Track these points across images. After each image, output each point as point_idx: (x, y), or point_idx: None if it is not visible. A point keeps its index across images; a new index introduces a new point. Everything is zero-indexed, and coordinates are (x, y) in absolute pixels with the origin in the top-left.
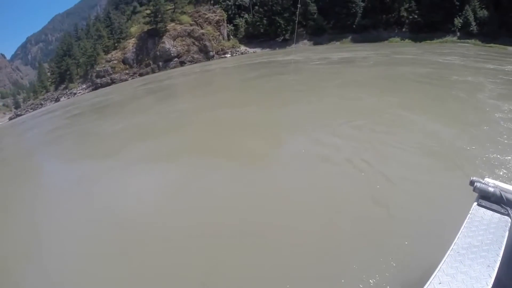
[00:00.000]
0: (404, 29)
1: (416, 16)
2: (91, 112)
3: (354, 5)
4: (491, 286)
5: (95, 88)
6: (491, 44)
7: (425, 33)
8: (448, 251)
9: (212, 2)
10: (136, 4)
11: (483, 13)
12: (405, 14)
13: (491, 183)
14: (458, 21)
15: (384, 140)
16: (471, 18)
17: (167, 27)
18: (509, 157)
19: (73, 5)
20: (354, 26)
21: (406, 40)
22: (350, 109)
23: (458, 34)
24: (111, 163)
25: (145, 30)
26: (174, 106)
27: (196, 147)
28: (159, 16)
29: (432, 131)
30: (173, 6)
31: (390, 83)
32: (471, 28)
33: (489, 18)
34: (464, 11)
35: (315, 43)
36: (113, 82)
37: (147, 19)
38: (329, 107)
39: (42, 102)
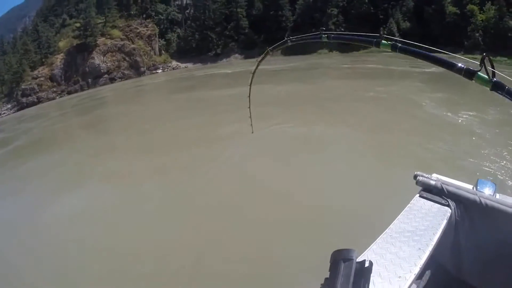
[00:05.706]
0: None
1: (343, 29)
2: None
3: (284, 19)
4: (419, 266)
5: (21, 108)
6: None
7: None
8: (381, 235)
9: (144, 16)
10: (65, 17)
11: (406, 24)
12: (333, 27)
13: (434, 177)
14: (382, 33)
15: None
16: (395, 30)
17: (97, 42)
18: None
19: (1, 15)
20: (284, 39)
21: (334, 51)
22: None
23: None
24: None
25: (74, 44)
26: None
27: None
28: (89, 29)
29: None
30: (104, 20)
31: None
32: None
33: (411, 29)
34: (388, 23)
35: (246, 57)
36: (39, 101)
37: (77, 32)
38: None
39: None
